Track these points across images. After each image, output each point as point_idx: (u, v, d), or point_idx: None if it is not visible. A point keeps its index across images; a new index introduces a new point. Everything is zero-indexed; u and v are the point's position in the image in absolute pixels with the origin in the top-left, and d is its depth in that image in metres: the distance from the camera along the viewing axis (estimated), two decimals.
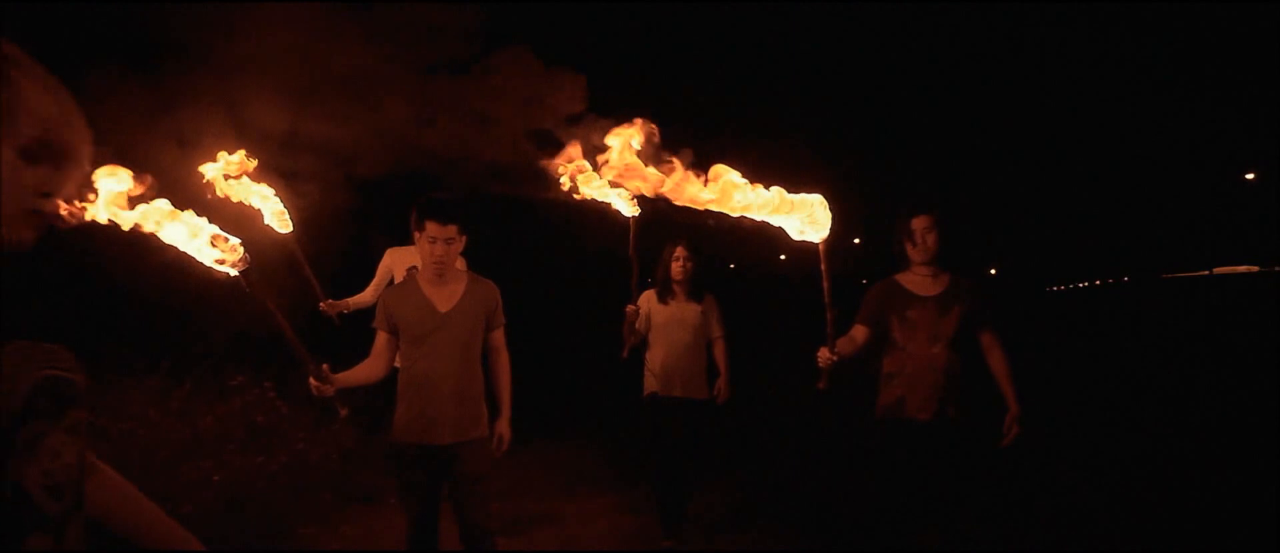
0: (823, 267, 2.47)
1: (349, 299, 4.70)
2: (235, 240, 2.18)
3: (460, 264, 3.54)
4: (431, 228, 3.09)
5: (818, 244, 2.39)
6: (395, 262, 4.77)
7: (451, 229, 3.09)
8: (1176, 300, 24.30)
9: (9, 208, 1.03)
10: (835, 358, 3.04)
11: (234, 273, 2.22)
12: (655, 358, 4.41)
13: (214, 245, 2.13)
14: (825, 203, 2.28)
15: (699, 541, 4.49)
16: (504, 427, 3.24)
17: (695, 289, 4.45)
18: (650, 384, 4.43)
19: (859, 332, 3.68)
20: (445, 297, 3.16)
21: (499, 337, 3.29)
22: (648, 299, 4.44)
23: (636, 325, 4.35)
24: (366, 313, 4.80)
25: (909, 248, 3.66)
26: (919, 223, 3.61)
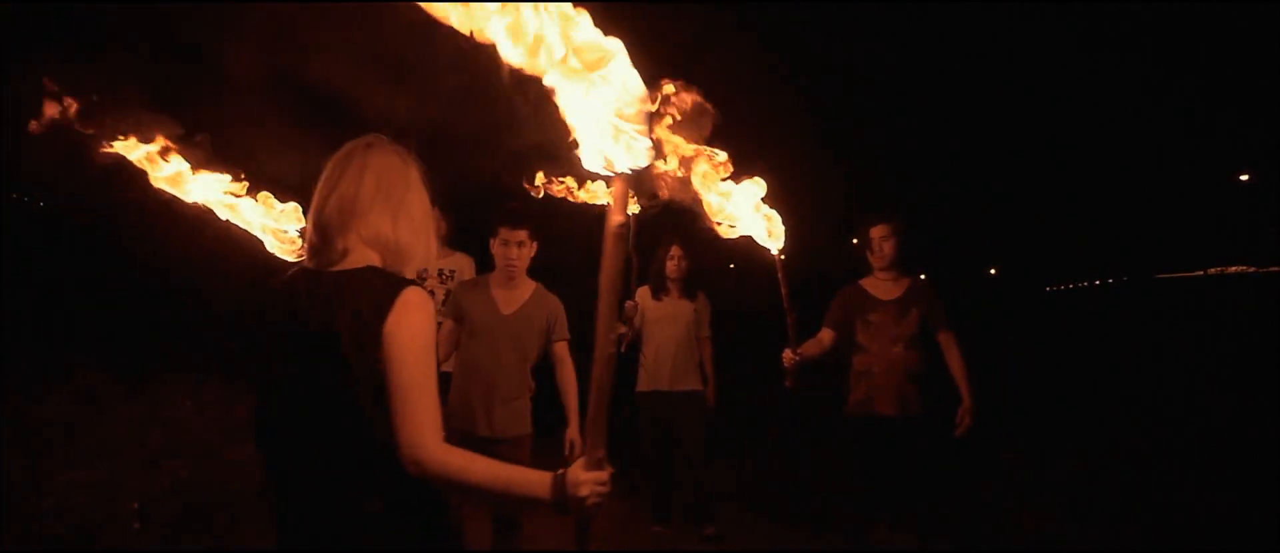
0: (780, 275, 2.81)
1: None
2: None
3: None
4: (504, 232, 3.31)
5: (775, 255, 2.72)
6: None
7: (522, 233, 3.31)
8: (1172, 300, 24.35)
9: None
10: (798, 358, 3.37)
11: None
12: (648, 353, 4.59)
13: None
14: (778, 217, 2.60)
15: (688, 528, 4.63)
16: (574, 434, 3.40)
17: (689, 287, 4.62)
18: (642, 382, 4.61)
19: (826, 334, 3.96)
20: (509, 300, 3.38)
21: (562, 349, 3.46)
22: (642, 296, 4.60)
23: (634, 320, 4.57)
24: None
25: (869, 255, 3.96)
26: (877, 232, 3.91)
